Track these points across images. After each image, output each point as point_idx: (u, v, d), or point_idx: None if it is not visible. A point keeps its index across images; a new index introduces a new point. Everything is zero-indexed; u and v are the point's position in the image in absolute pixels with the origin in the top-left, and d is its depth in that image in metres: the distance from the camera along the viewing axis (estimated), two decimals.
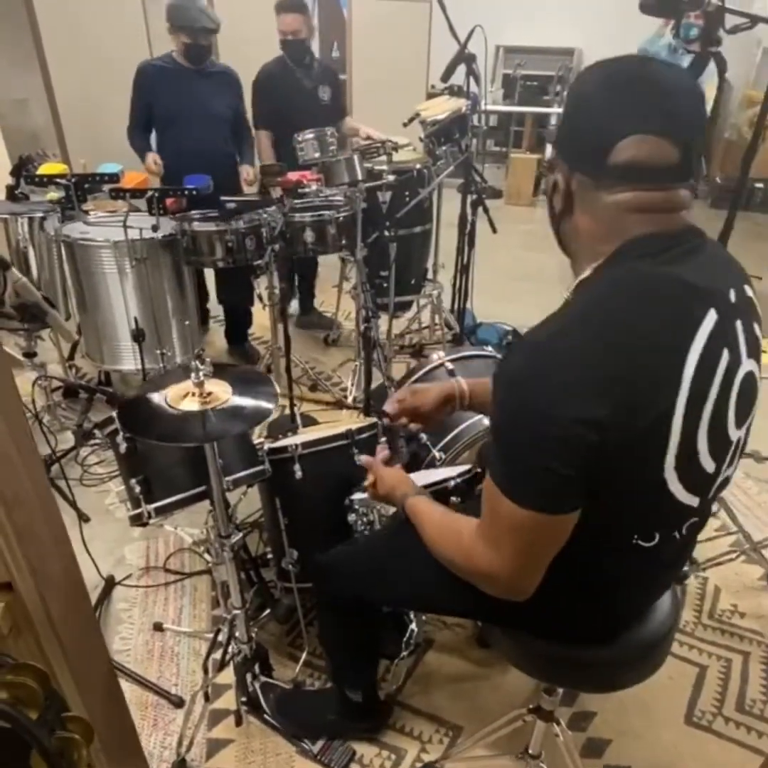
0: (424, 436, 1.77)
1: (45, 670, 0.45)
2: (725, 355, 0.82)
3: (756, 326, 0.89)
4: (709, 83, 3.29)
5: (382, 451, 1.30)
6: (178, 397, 1.19)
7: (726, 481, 0.94)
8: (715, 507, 0.98)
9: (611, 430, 0.76)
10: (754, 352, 0.88)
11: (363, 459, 1.28)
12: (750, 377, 0.88)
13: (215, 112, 2.88)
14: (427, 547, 1.04)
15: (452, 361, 1.91)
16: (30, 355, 2.37)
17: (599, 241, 0.84)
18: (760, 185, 6.09)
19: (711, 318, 0.80)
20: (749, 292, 0.89)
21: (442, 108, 2.72)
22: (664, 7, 1.47)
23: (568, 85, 6.81)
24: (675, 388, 0.79)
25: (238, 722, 1.52)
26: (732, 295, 0.85)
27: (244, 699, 1.52)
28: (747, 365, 0.86)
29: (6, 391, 0.53)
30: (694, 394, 0.80)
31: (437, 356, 1.94)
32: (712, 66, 3.09)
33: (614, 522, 0.87)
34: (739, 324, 0.85)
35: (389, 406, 1.32)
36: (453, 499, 1.42)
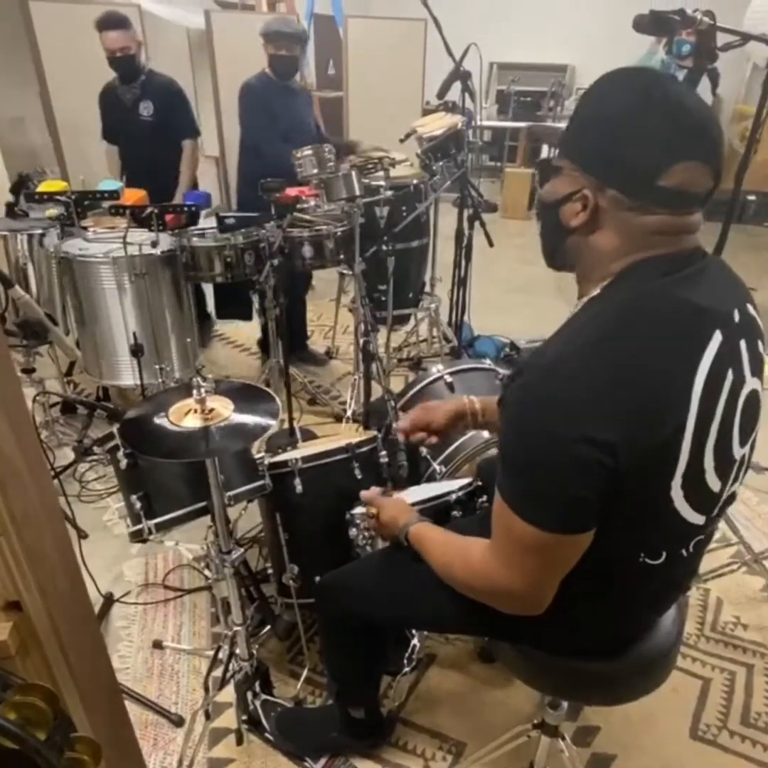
0: (424, 450, 1.78)
1: (53, 690, 0.45)
2: (730, 375, 0.83)
3: (759, 344, 0.90)
4: (704, 97, 3.34)
5: (377, 488, 1.31)
6: (180, 414, 1.19)
7: (732, 497, 0.94)
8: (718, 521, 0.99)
9: (624, 453, 0.76)
10: (758, 370, 0.89)
11: (363, 494, 1.29)
12: (753, 395, 0.89)
13: None
14: (437, 572, 1.04)
15: (451, 374, 1.92)
16: (28, 371, 2.37)
17: (614, 259, 0.84)
18: (752, 198, 6.16)
19: (716, 339, 0.82)
20: (752, 311, 0.90)
21: (438, 124, 2.75)
22: (657, 26, 1.50)
23: (562, 99, 6.89)
24: (684, 410, 0.79)
25: (239, 741, 1.50)
26: (736, 316, 0.86)
27: (244, 717, 1.50)
28: (750, 384, 0.87)
29: (16, 406, 0.53)
30: (702, 415, 0.81)
31: (436, 369, 1.95)
32: (704, 81, 3.14)
33: (621, 541, 0.87)
34: (742, 343, 0.86)
35: (403, 423, 1.32)
36: (454, 512, 1.42)
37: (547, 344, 0.86)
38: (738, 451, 0.89)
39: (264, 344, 3.28)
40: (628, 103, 0.79)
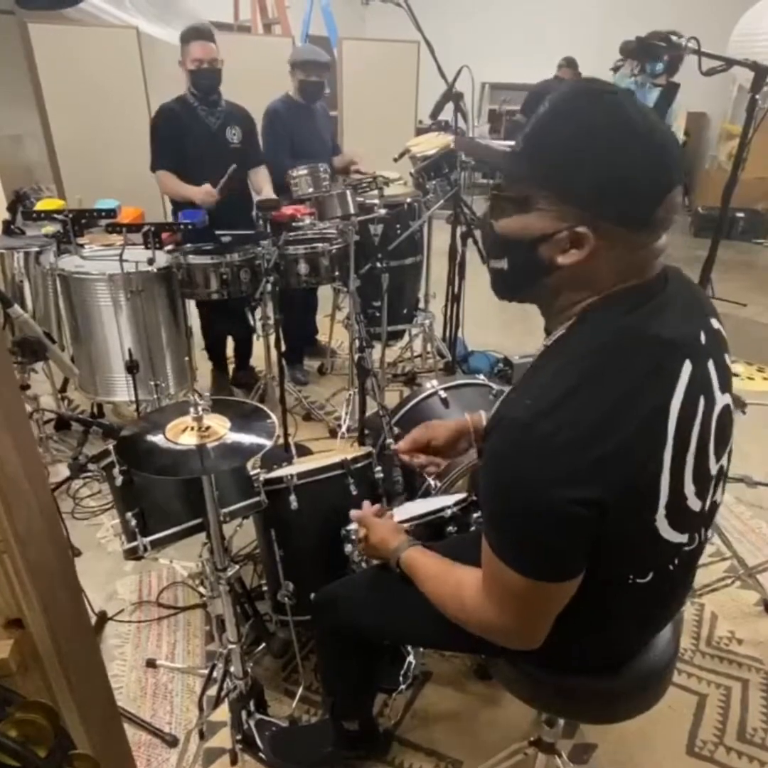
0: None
1: (53, 708, 0.45)
2: (701, 402, 0.84)
3: (726, 357, 0.90)
4: (680, 112, 3.44)
5: (371, 507, 1.30)
6: (177, 431, 1.20)
7: (714, 506, 0.95)
8: (709, 533, 0.99)
9: (607, 503, 0.76)
10: (727, 386, 0.90)
11: (353, 514, 1.28)
12: (725, 411, 0.89)
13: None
14: (430, 602, 1.04)
15: (445, 389, 1.93)
16: (23, 387, 2.37)
17: (589, 295, 0.82)
18: (740, 215, 6.26)
19: (686, 370, 0.81)
20: (716, 324, 0.90)
21: (431, 144, 2.80)
22: (643, 52, 1.53)
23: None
24: (661, 448, 0.80)
25: (234, 761, 1.49)
26: (702, 337, 0.86)
27: (239, 737, 1.49)
28: (721, 401, 0.88)
29: (20, 424, 0.53)
30: (678, 448, 0.81)
31: (430, 385, 1.96)
32: (681, 96, 3.23)
33: (609, 568, 0.87)
34: (710, 364, 0.86)
35: (403, 444, 1.29)
36: (449, 528, 1.42)
37: (518, 392, 0.84)
38: (715, 466, 0.89)
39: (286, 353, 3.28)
40: (613, 131, 0.76)
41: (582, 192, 0.77)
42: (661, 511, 0.83)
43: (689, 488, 0.85)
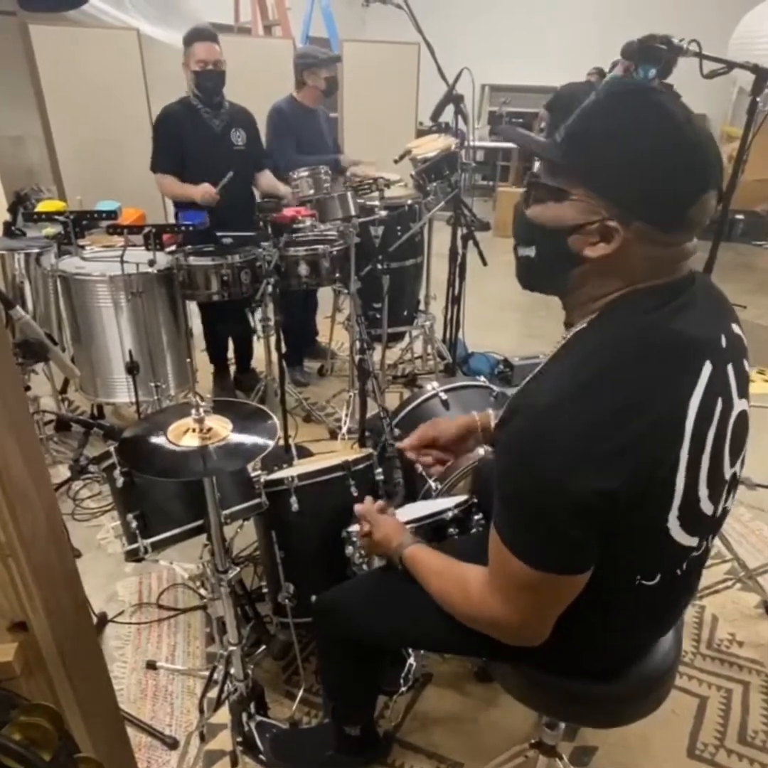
0: (419, 467, 1.78)
1: (58, 711, 0.45)
2: (719, 404, 0.84)
3: (745, 363, 0.91)
4: None
5: (375, 502, 1.29)
6: (178, 433, 1.20)
7: (724, 513, 0.95)
8: (714, 540, 0.99)
9: (622, 495, 0.76)
10: (744, 391, 0.90)
11: (357, 508, 1.27)
12: (742, 416, 0.89)
13: None
14: (434, 599, 1.03)
15: (446, 391, 1.93)
16: (23, 388, 2.37)
17: (614, 290, 0.83)
18: (740, 217, 6.27)
19: (706, 370, 0.82)
20: (737, 330, 0.91)
21: (432, 146, 2.80)
22: (645, 54, 1.54)
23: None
24: (678, 445, 0.80)
25: (234, 763, 1.49)
26: (723, 341, 0.86)
27: (239, 739, 1.49)
28: (738, 406, 0.88)
29: (25, 427, 0.53)
30: (694, 446, 0.81)
31: (431, 387, 1.96)
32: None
33: (618, 566, 0.87)
34: (730, 368, 0.86)
35: (409, 440, 1.29)
36: (450, 530, 1.42)
37: (538, 382, 0.85)
38: (729, 471, 0.90)
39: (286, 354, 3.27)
40: (655, 131, 0.76)
41: (617, 188, 0.78)
42: (675, 512, 0.83)
43: (703, 491, 0.85)
